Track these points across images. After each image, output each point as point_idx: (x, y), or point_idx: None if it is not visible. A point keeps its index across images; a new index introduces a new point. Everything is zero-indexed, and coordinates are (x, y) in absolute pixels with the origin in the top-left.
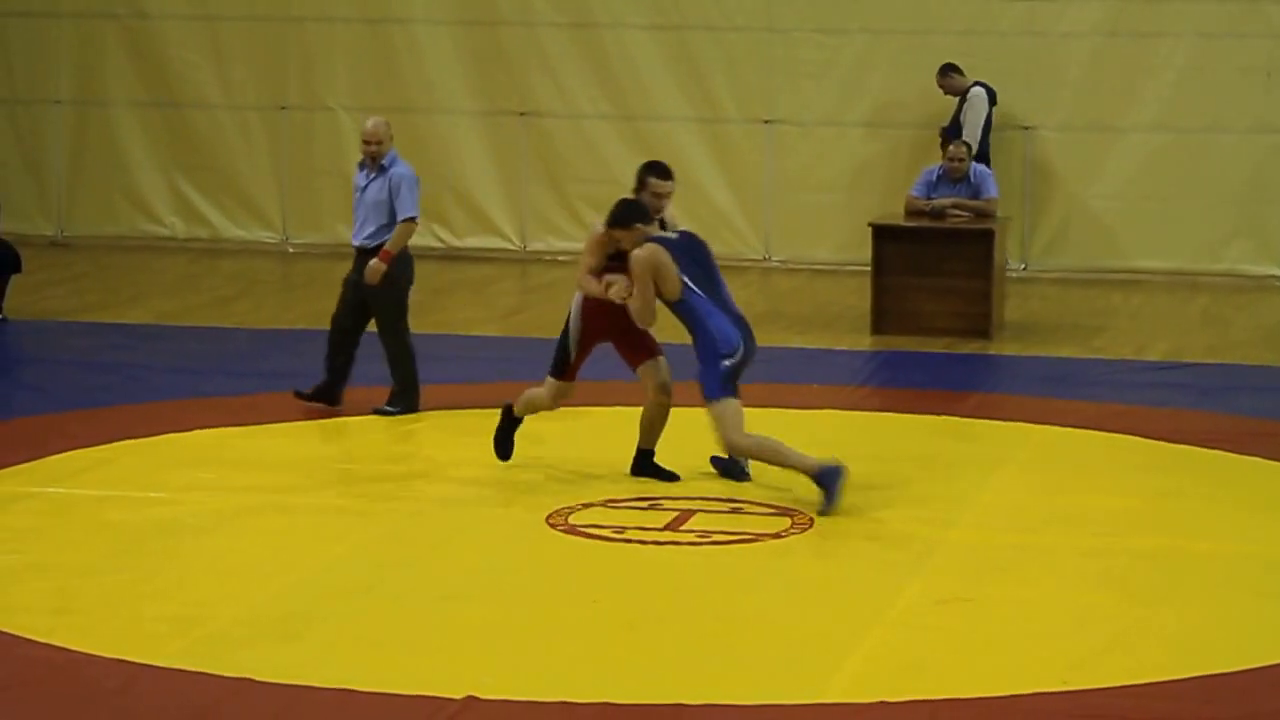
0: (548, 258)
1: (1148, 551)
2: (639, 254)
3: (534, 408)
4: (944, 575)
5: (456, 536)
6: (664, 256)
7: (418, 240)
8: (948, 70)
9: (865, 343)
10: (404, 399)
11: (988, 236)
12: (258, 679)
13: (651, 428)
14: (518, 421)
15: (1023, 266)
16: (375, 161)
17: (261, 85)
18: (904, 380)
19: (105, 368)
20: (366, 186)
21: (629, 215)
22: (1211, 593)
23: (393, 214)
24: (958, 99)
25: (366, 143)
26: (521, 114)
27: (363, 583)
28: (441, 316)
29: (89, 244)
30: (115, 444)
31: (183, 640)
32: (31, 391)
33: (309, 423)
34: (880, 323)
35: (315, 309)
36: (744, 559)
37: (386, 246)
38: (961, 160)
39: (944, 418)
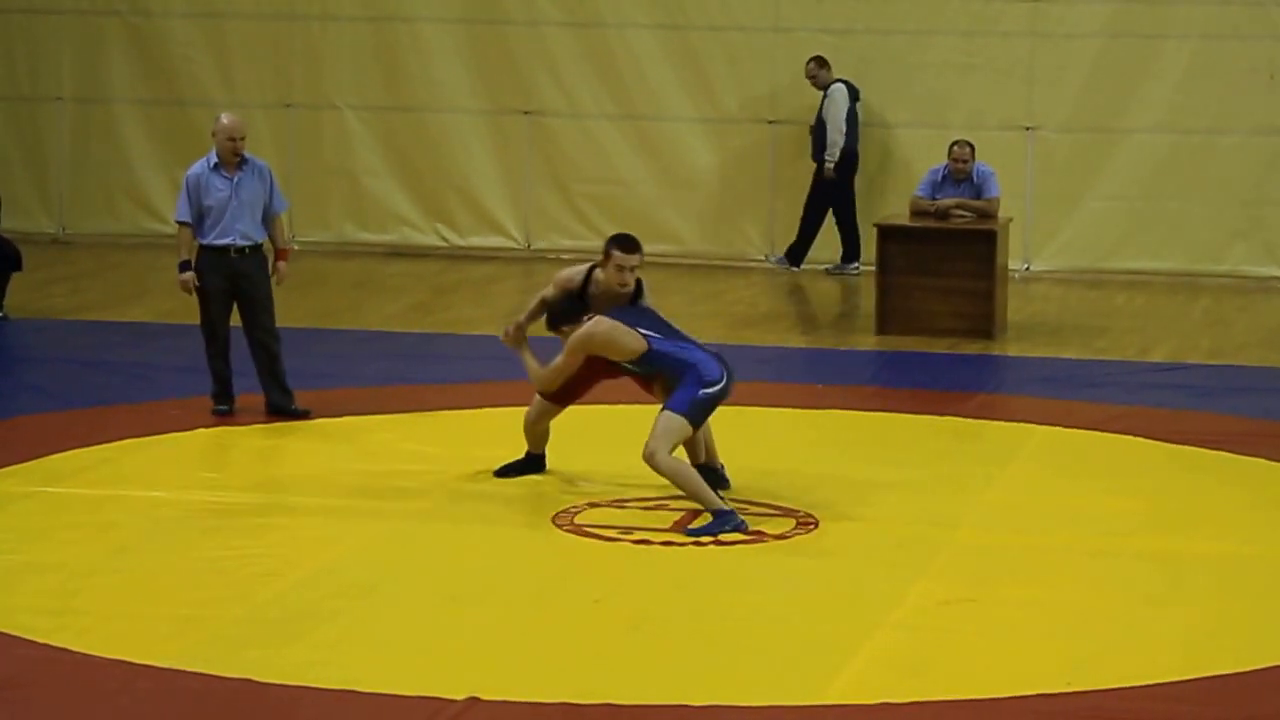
0: (551, 257)
1: (1151, 552)
2: (580, 329)
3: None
4: (948, 576)
5: (460, 536)
6: (605, 327)
7: (422, 239)
8: (819, 63)
9: (869, 343)
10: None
11: (991, 237)
12: (259, 680)
13: (703, 444)
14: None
15: (1026, 267)
16: (238, 159)
17: (266, 83)
18: (907, 380)
19: (107, 366)
20: (238, 184)
21: (553, 320)
22: (1215, 594)
23: (264, 210)
24: (821, 95)
25: (235, 139)
26: (526, 113)
27: (365, 583)
28: (445, 316)
29: (91, 242)
30: (116, 443)
31: (184, 640)
32: (32, 390)
33: (311, 423)
34: (884, 323)
35: (319, 307)
36: (748, 560)
37: (284, 245)
38: (965, 161)
39: (947, 418)
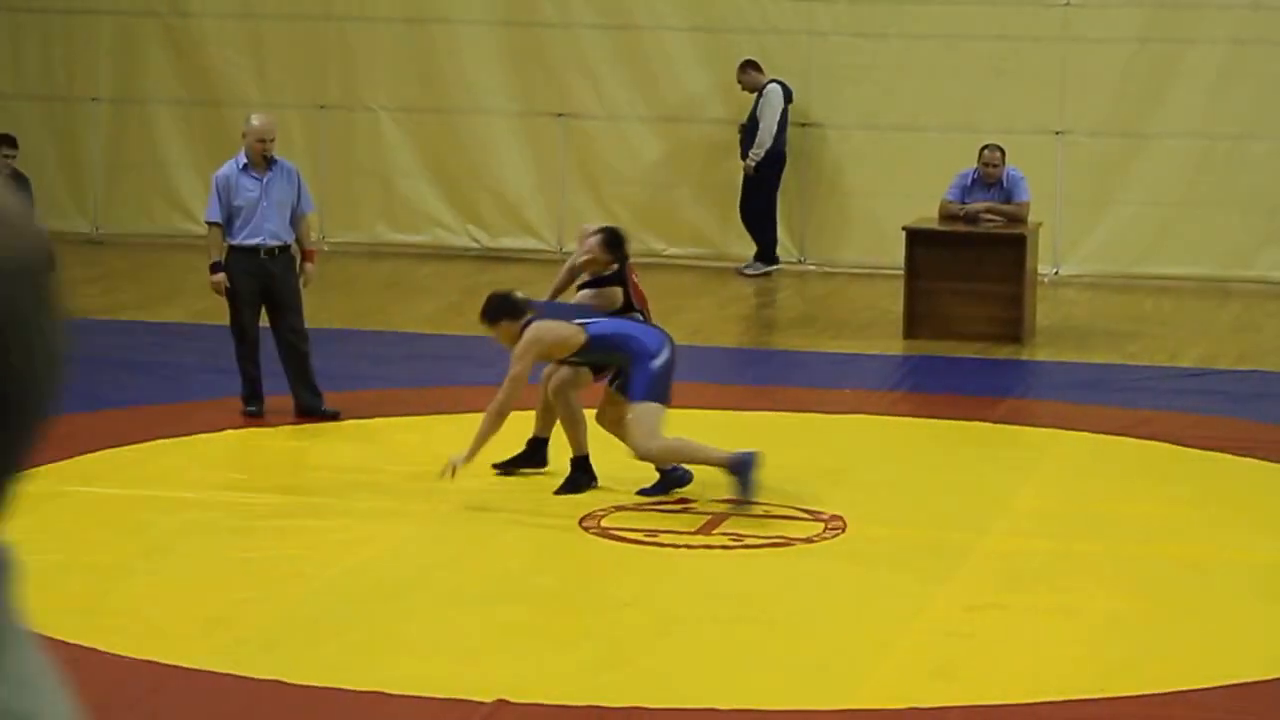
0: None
1: (1179, 558)
2: (521, 340)
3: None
4: (976, 581)
5: (488, 539)
6: (543, 329)
7: (454, 240)
8: (746, 66)
9: (898, 347)
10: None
11: (1020, 241)
12: (288, 681)
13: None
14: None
15: (1055, 271)
16: (267, 161)
17: (301, 84)
18: (936, 385)
19: (139, 367)
20: (267, 185)
21: (490, 313)
22: (1243, 600)
23: (292, 211)
24: (755, 95)
25: (265, 141)
26: (559, 115)
27: (394, 585)
28: (476, 318)
29: (125, 242)
30: (148, 443)
31: (213, 641)
32: (64, 390)
33: (342, 424)
34: (913, 327)
35: (350, 308)
36: (776, 563)
37: (310, 247)
38: (996, 165)
39: (976, 423)
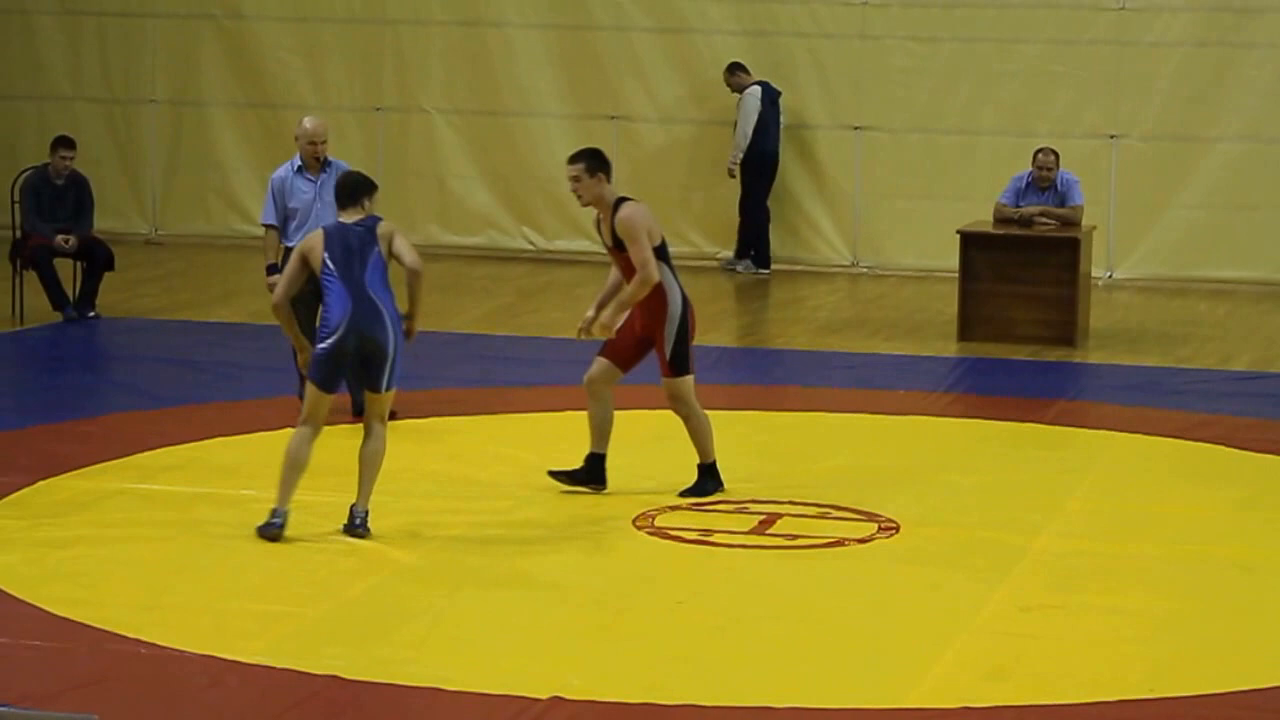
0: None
1: (1231, 560)
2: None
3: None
4: (1029, 582)
5: (543, 537)
6: (308, 242)
7: (509, 242)
8: (734, 68)
9: (951, 349)
10: None
11: (1074, 244)
12: (345, 676)
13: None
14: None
15: (1109, 274)
16: (319, 162)
17: (356, 86)
18: (989, 387)
19: (196, 366)
20: (322, 186)
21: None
22: None
23: None
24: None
25: (316, 143)
26: (612, 118)
27: (450, 582)
28: (531, 319)
29: (182, 242)
30: (206, 441)
31: (270, 637)
32: (124, 389)
33: (397, 423)
34: (967, 329)
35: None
36: (830, 563)
37: None
38: (1049, 168)
39: (1029, 425)
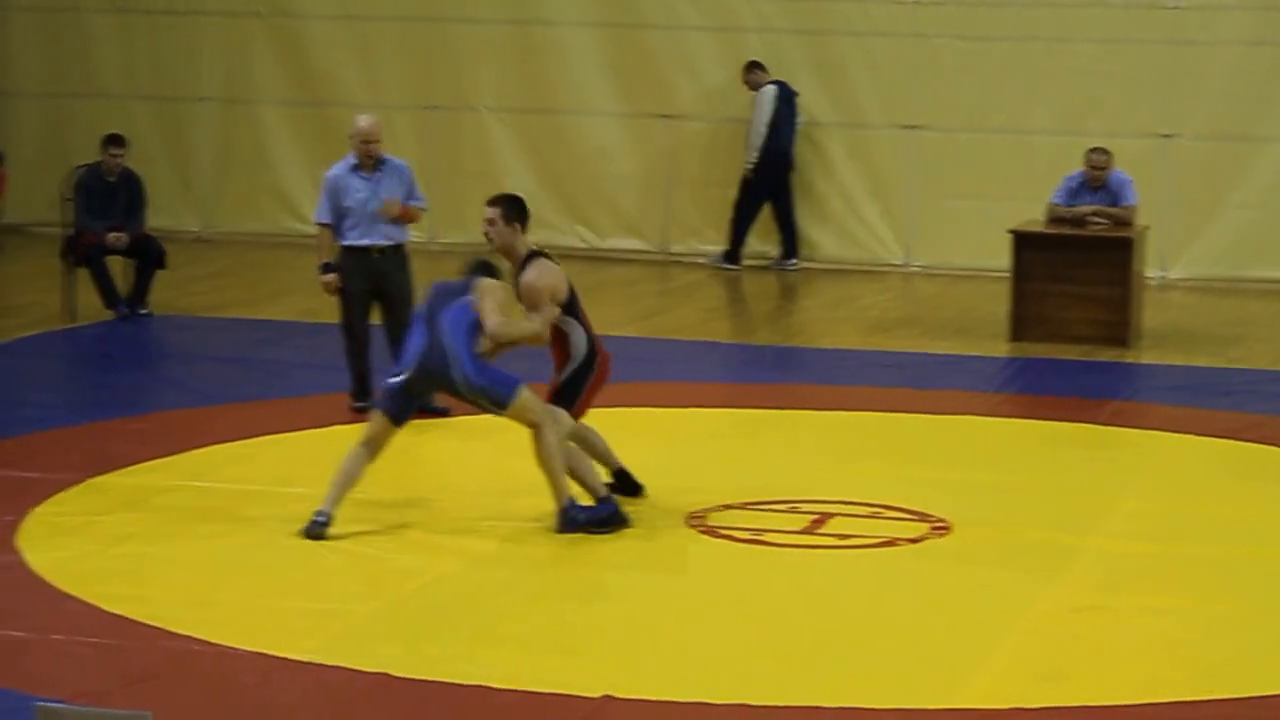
0: (688, 261)
1: None
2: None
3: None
4: (1080, 583)
5: (595, 535)
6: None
7: (562, 240)
8: (752, 67)
9: (1003, 349)
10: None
11: (1127, 244)
12: (396, 674)
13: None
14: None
15: (1162, 275)
16: (374, 161)
17: (407, 85)
18: (1041, 387)
19: (247, 363)
20: (377, 185)
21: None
22: None
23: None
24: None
25: (369, 143)
26: (664, 116)
27: (501, 580)
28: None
29: (233, 240)
30: (256, 439)
31: (321, 635)
32: (175, 386)
33: (449, 420)
34: (1019, 329)
35: None
36: (881, 563)
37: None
38: (1102, 168)
39: (1081, 425)
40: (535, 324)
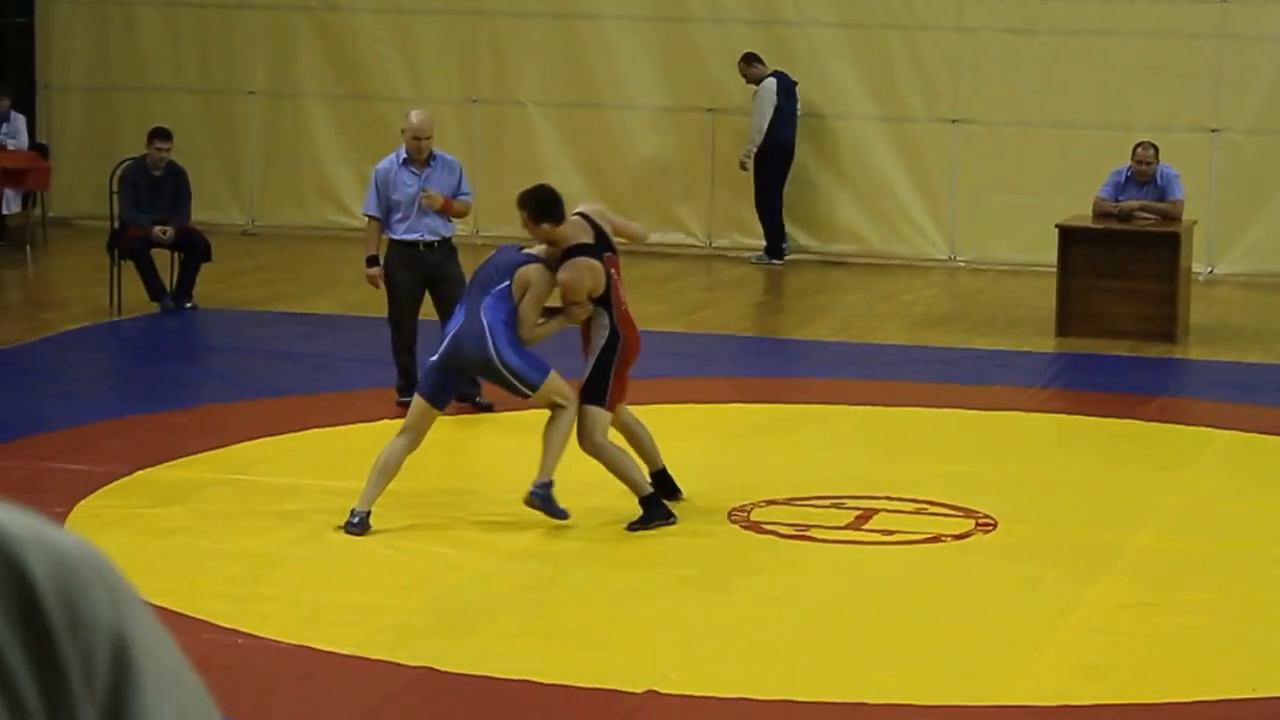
0: (732, 255)
1: None
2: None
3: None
4: (1128, 579)
5: (639, 532)
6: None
7: None
8: (749, 59)
9: (1050, 344)
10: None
11: (1174, 239)
12: (439, 668)
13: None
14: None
15: (1209, 270)
16: (424, 156)
17: (452, 79)
18: (1088, 383)
19: (292, 357)
20: (426, 180)
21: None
22: None
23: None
24: (754, 90)
25: (420, 138)
26: (709, 110)
27: (544, 575)
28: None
29: (278, 234)
30: (301, 433)
31: (365, 629)
32: (220, 379)
33: (494, 415)
34: (1065, 324)
35: None
36: (927, 559)
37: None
38: (1149, 163)
39: (1128, 421)
40: (559, 322)
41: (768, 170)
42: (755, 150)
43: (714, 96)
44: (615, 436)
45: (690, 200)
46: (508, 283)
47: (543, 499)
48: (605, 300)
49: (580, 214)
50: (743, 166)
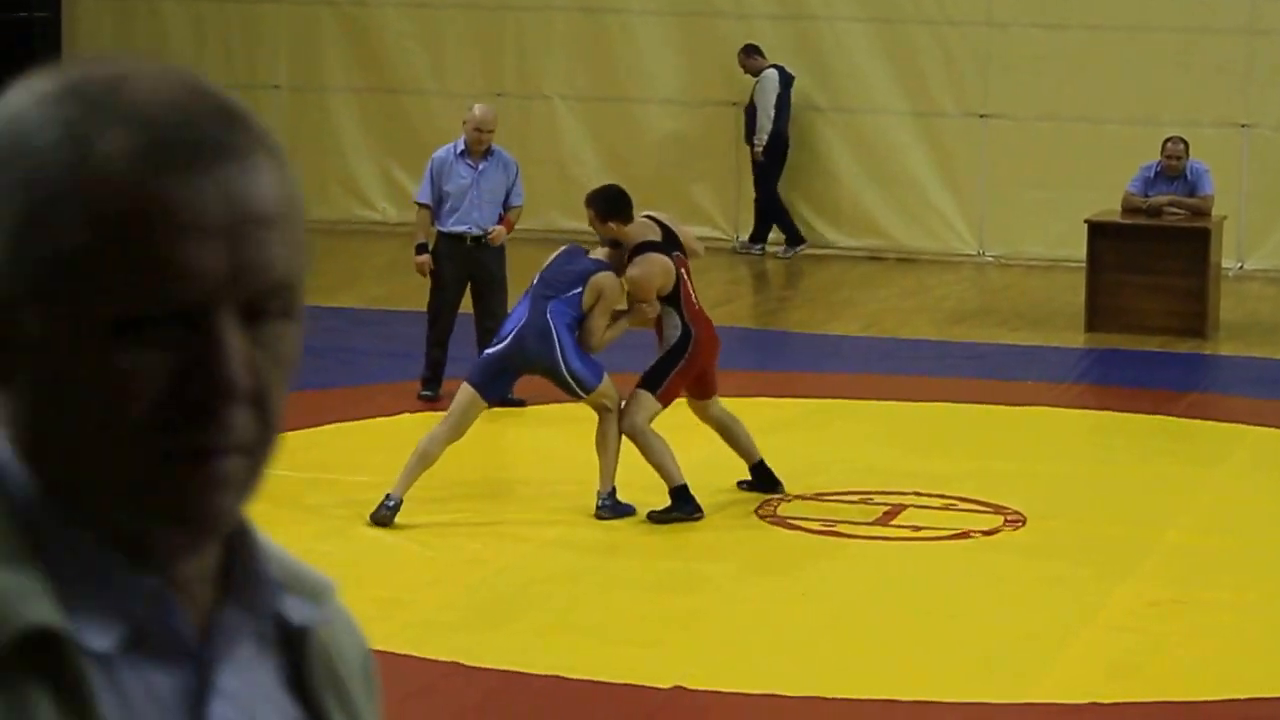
0: (757, 251)
1: None
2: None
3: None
4: (1157, 576)
5: (664, 526)
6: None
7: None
8: (750, 51)
9: (1079, 340)
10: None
11: (1204, 235)
12: (466, 664)
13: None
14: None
15: (1240, 265)
16: (483, 149)
17: (477, 72)
18: (1117, 379)
19: (315, 350)
20: (481, 174)
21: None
22: None
23: (504, 202)
24: (754, 81)
25: (481, 131)
26: (734, 104)
27: (572, 570)
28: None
29: (304, 227)
30: (323, 427)
31: (392, 624)
32: None
33: (521, 410)
34: (1094, 320)
35: None
36: (955, 556)
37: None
38: (1179, 158)
39: (1158, 417)
40: (625, 324)
41: (769, 163)
42: (765, 140)
43: (739, 90)
44: (700, 431)
45: (716, 194)
46: (580, 290)
47: (611, 508)
48: (674, 299)
49: (648, 216)
50: (757, 156)
